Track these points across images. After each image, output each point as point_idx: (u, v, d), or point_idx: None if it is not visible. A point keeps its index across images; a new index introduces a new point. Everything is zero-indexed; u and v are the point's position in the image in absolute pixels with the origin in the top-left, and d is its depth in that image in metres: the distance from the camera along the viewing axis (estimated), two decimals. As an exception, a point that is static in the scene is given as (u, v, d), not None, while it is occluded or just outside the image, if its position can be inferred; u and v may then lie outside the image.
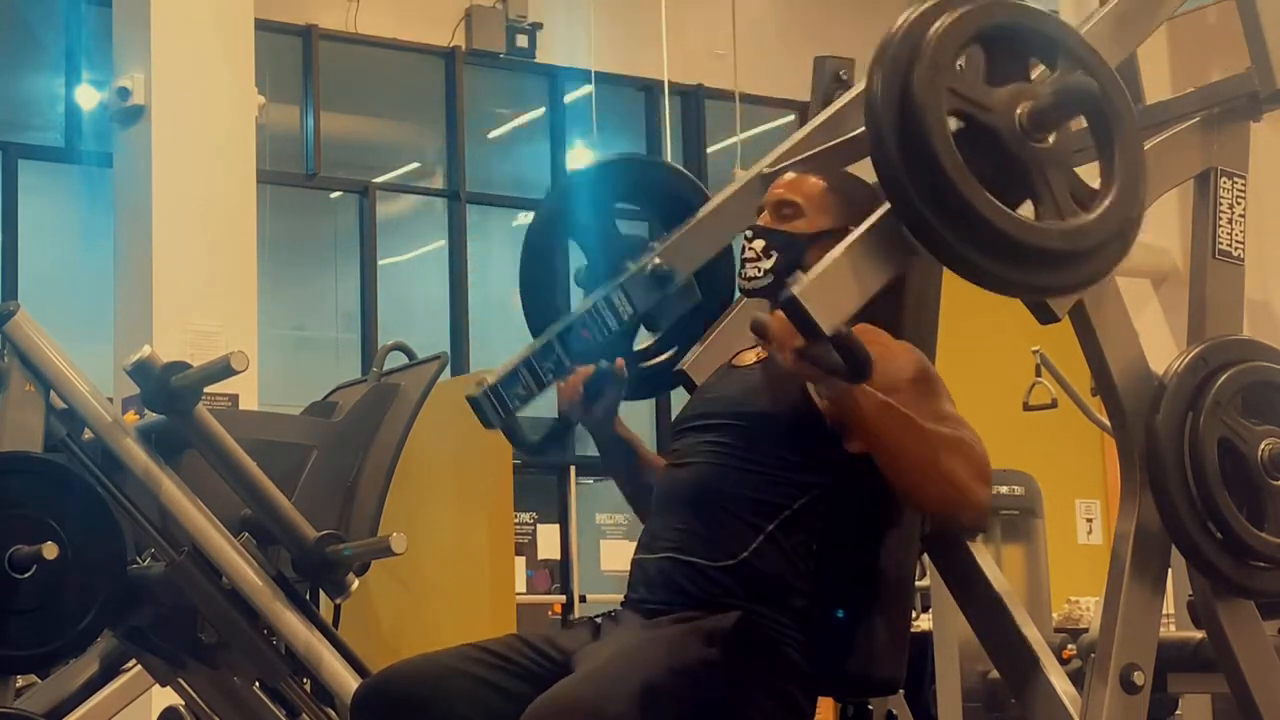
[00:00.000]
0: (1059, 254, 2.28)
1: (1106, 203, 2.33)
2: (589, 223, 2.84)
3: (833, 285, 2.23)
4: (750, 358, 2.63)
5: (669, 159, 10.15)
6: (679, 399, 2.82)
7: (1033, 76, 2.41)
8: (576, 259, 2.87)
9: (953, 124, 2.25)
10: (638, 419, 10.16)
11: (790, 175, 2.64)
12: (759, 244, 2.57)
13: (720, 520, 2.45)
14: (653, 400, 9.47)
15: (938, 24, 2.26)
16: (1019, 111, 2.29)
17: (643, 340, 2.95)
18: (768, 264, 2.55)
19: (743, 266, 2.59)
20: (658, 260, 2.73)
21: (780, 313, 2.21)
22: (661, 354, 2.90)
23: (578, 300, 2.81)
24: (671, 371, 2.86)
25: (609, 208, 2.86)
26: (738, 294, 2.73)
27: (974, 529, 2.51)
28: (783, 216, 2.58)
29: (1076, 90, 2.30)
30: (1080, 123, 2.39)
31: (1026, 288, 2.34)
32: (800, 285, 2.18)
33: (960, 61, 2.32)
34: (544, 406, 2.72)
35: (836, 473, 2.45)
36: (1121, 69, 2.70)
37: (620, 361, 2.64)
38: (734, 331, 2.82)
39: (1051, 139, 2.31)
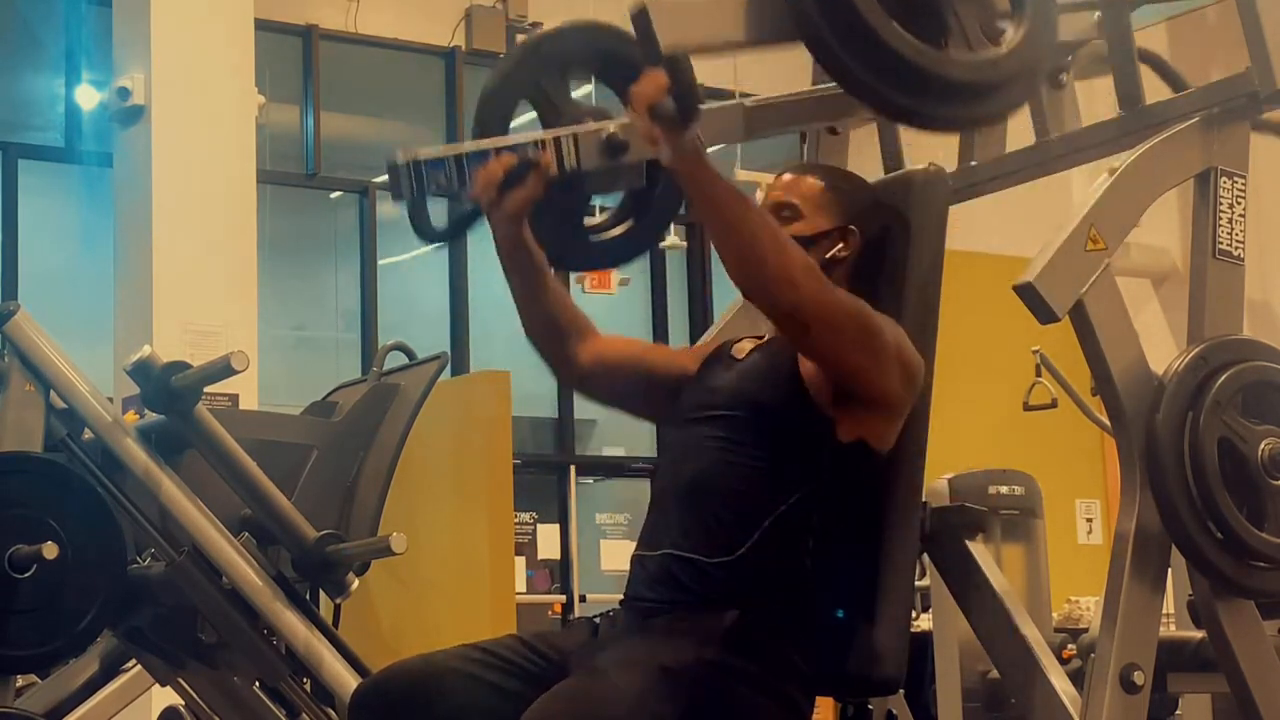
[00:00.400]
0: (965, 86, 2.28)
1: (1017, 39, 2.33)
2: (534, 91, 2.78)
3: (687, 11, 2.23)
4: (747, 347, 2.63)
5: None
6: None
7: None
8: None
9: None
10: (638, 425, 10.14)
11: (788, 176, 2.64)
12: None
13: (719, 515, 2.45)
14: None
15: None
16: None
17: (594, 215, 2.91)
18: None
19: None
20: (615, 129, 2.68)
21: (649, 73, 2.21)
22: (613, 228, 2.88)
23: None
24: (618, 248, 2.83)
25: (555, 76, 2.81)
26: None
27: (796, 323, 2.40)
28: (782, 218, 2.57)
29: None
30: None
31: (930, 119, 2.34)
32: (653, 0, 2.18)
33: None
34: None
35: (833, 466, 2.45)
36: (1121, 70, 2.71)
37: (547, 157, 2.56)
38: (734, 330, 2.83)
39: None
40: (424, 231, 2.71)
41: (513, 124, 2.78)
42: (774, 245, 2.33)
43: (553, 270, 2.67)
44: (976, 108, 2.36)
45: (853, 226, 2.57)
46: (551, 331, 2.66)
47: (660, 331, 10.39)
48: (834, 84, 3.00)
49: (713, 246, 2.41)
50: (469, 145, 2.62)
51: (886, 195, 2.70)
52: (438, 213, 2.73)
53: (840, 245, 2.56)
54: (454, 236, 2.73)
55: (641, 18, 2.16)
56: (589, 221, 2.87)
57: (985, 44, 2.30)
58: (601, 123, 2.68)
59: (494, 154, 2.58)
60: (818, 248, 2.55)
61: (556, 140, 2.61)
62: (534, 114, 2.82)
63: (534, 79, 2.79)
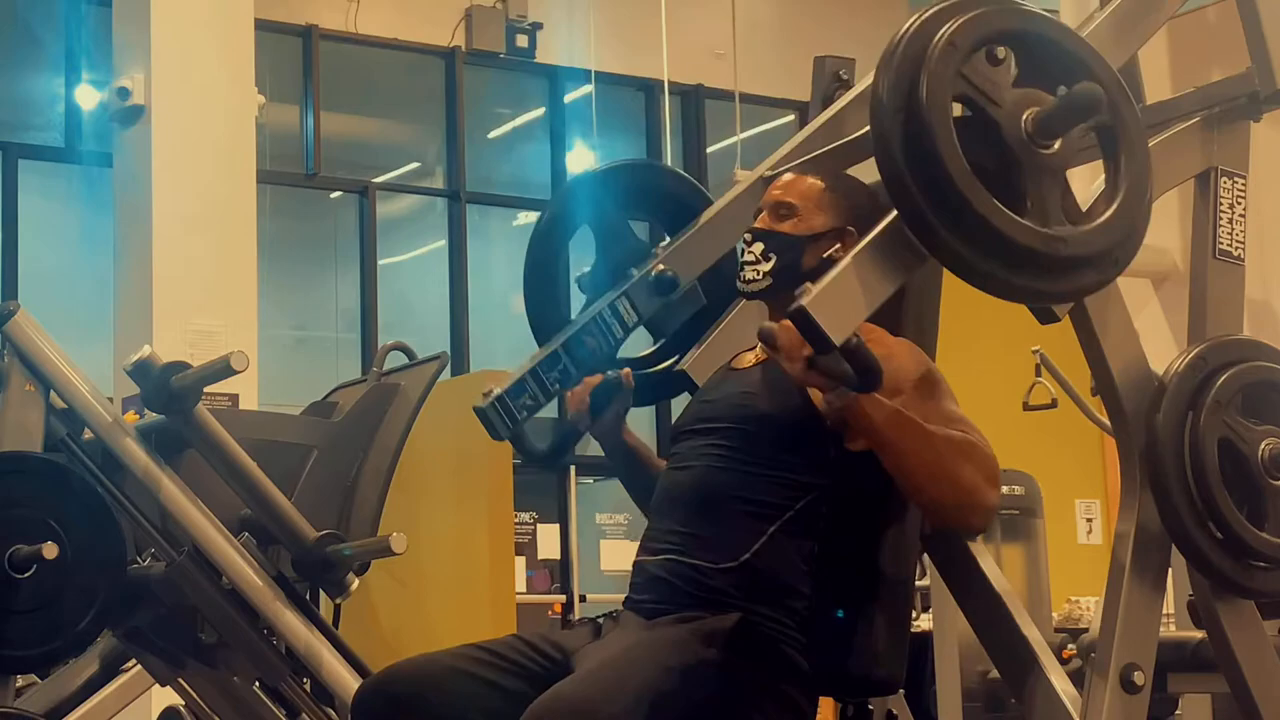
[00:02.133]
0: (1059, 260, 2.28)
1: (1112, 209, 2.33)
2: (591, 227, 2.85)
3: (841, 295, 2.23)
4: (749, 360, 2.63)
5: (669, 159, 10.18)
6: (679, 401, 2.82)
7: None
8: (577, 264, 2.87)
9: (958, 110, 2.25)
10: (637, 421, 10.16)
11: (788, 176, 2.64)
12: (758, 246, 2.57)
13: (721, 522, 2.45)
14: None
15: (946, 26, 2.26)
16: (1026, 115, 2.28)
17: (647, 346, 2.95)
18: (766, 266, 2.55)
19: (742, 269, 2.59)
20: (661, 266, 2.74)
21: (788, 322, 2.20)
22: (666, 359, 2.91)
23: (579, 305, 2.82)
24: (674, 376, 2.87)
25: (611, 212, 2.86)
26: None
27: (981, 531, 2.51)
28: (781, 218, 2.58)
29: (1084, 98, 2.29)
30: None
31: (1030, 293, 2.34)
32: (809, 296, 2.18)
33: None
34: (550, 406, 2.72)
35: (836, 473, 2.45)
36: (1122, 69, 2.70)
37: (627, 371, 2.65)
38: (733, 332, 2.83)
39: (1056, 146, 2.30)
40: (534, 456, 2.78)
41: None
42: (959, 475, 2.39)
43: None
44: (1073, 280, 2.35)
45: (850, 228, 2.57)
46: None
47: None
48: (834, 82, 3.03)
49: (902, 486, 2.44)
50: (538, 354, 2.69)
51: (887, 195, 2.69)
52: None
53: (837, 246, 2.56)
54: (563, 454, 2.81)
55: (805, 320, 2.16)
56: (639, 354, 2.92)
57: (1062, 221, 2.29)
58: (643, 267, 2.74)
59: (564, 355, 2.67)
60: (815, 247, 2.55)
61: (613, 307, 2.69)
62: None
63: (562, 251, 2.84)
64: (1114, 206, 2.33)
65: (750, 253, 2.57)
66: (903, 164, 2.22)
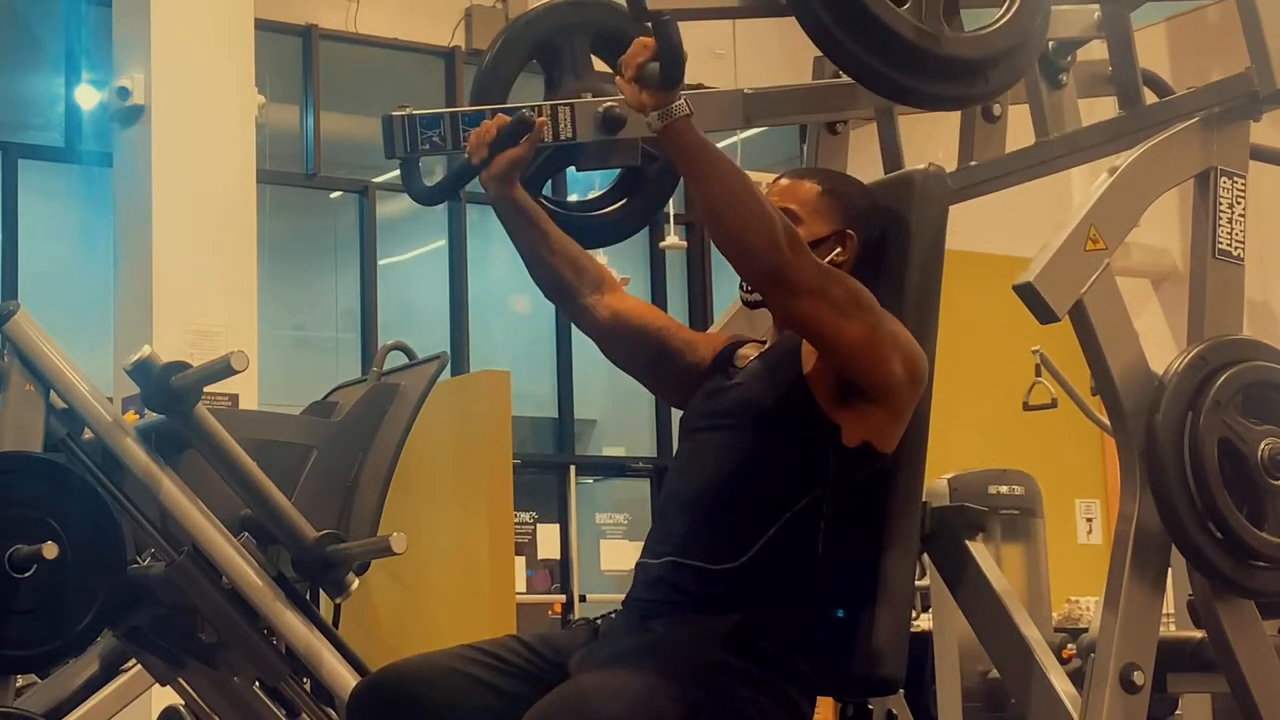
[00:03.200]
0: (941, 59, 2.29)
1: (1006, 18, 2.34)
2: (568, 44, 2.79)
3: None
4: (749, 355, 2.62)
5: (669, 159, 10.17)
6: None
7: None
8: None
9: None
10: (638, 425, 10.16)
11: (785, 181, 2.62)
12: None
13: (721, 524, 2.45)
14: (652, 400, 9.47)
15: None
16: None
17: (591, 192, 2.91)
18: None
19: (742, 283, 2.58)
20: (613, 104, 2.66)
21: (638, 40, 2.22)
22: (606, 205, 2.87)
23: None
24: (612, 226, 2.83)
25: (577, 37, 2.82)
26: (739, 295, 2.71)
27: (775, 287, 2.38)
28: None
29: None
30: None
31: (926, 97, 2.35)
32: None
33: None
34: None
35: (836, 473, 2.44)
36: (1121, 70, 2.71)
37: (541, 119, 2.55)
38: (738, 324, 2.83)
39: None
40: (415, 190, 2.68)
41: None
42: (759, 210, 2.31)
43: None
44: (972, 86, 2.37)
45: (850, 230, 2.57)
46: (561, 287, 2.63)
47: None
48: (833, 78, 3.02)
49: (701, 213, 2.41)
50: (465, 108, 2.62)
51: (886, 195, 2.69)
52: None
53: (838, 249, 2.56)
54: (445, 196, 2.68)
55: None
56: (581, 198, 2.87)
57: (940, 21, 2.32)
58: (600, 97, 2.67)
59: (490, 117, 2.57)
60: (817, 252, 2.54)
61: (554, 108, 2.62)
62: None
63: (529, 52, 2.79)
64: (1003, 19, 2.36)
65: None
66: None
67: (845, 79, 2.74)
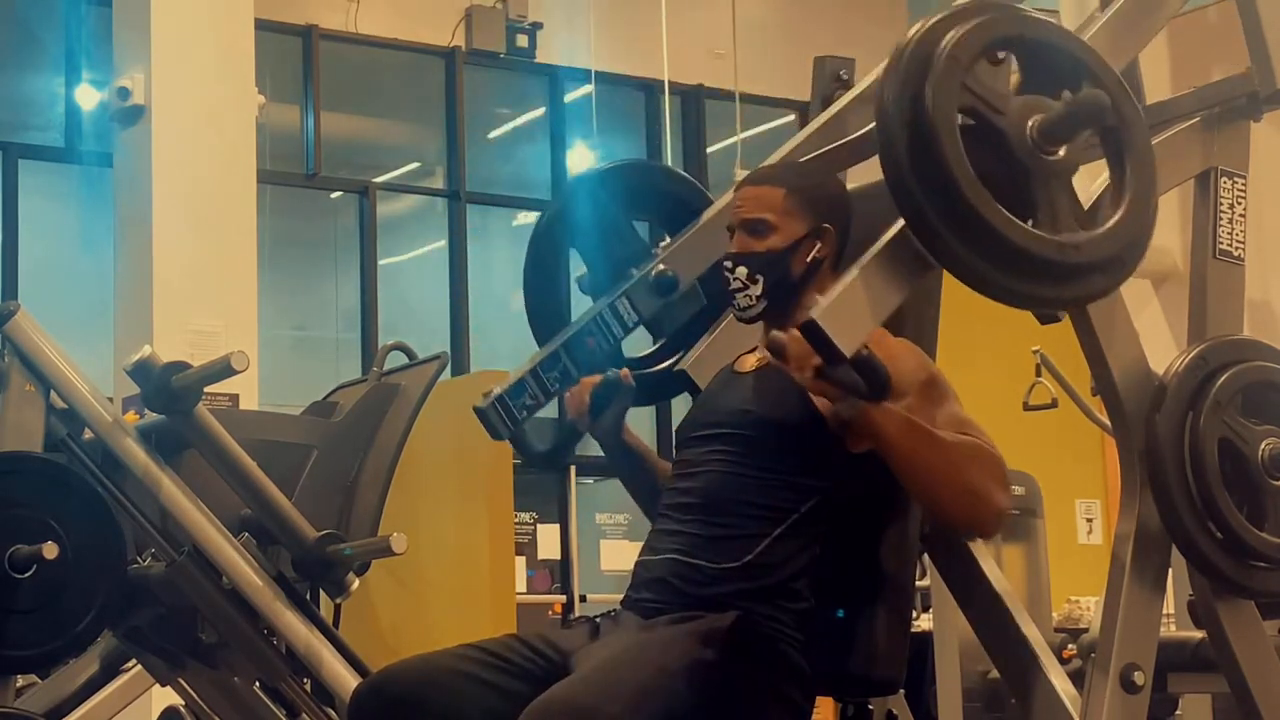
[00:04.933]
0: (1070, 267, 2.28)
1: (1118, 216, 2.32)
2: (590, 228, 2.85)
3: (851, 307, 2.23)
4: (751, 362, 2.63)
5: (669, 159, 10.17)
6: (680, 403, 2.82)
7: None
8: (578, 264, 2.87)
9: (963, 120, 2.25)
10: (638, 422, 10.15)
11: (748, 190, 2.60)
12: (742, 271, 2.56)
13: (726, 525, 2.45)
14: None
15: (951, 34, 2.26)
16: (1031, 122, 2.28)
17: (647, 346, 2.95)
18: (757, 290, 2.55)
19: (733, 297, 2.58)
20: (661, 266, 2.74)
21: (796, 332, 2.21)
22: (666, 359, 2.91)
23: (581, 307, 2.82)
24: (674, 376, 2.87)
25: (610, 213, 2.86)
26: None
27: (993, 534, 2.51)
28: (756, 235, 2.56)
29: (1089, 103, 2.29)
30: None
31: (1038, 300, 2.34)
32: (819, 309, 2.19)
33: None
34: (550, 406, 2.72)
35: (839, 475, 2.45)
36: (1123, 69, 2.70)
37: (626, 371, 2.65)
38: (734, 332, 2.82)
39: (1061, 152, 2.30)
40: (535, 456, 2.78)
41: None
42: (974, 482, 2.39)
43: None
44: (1095, 284, 2.36)
45: (826, 224, 2.57)
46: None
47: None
48: (834, 81, 3.02)
49: (918, 494, 2.46)
50: (538, 355, 2.69)
51: (887, 195, 2.69)
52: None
53: (818, 246, 2.56)
54: (564, 455, 2.80)
55: (815, 333, 2.17)
56: (639, 354, 2.92)
57: (1072, 226, 2.29)
58: (643, 268, 2.75)
59: (563, 355, 2.67)
60: (798, 254, 2.54)
61: (612, 307, 2.70)
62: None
63: (563, 252, 2.85)
64: (1122, 210, 2.33)
65: (736, 279, 2.56)
66: (910, 174, 2.22)
67: (862, 132, 2.73)
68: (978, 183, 2.20)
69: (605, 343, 2.72)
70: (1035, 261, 2.24)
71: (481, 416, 2.65)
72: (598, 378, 2.64)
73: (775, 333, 2.30)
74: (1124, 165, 2.36)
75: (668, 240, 2.88)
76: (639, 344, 2.94)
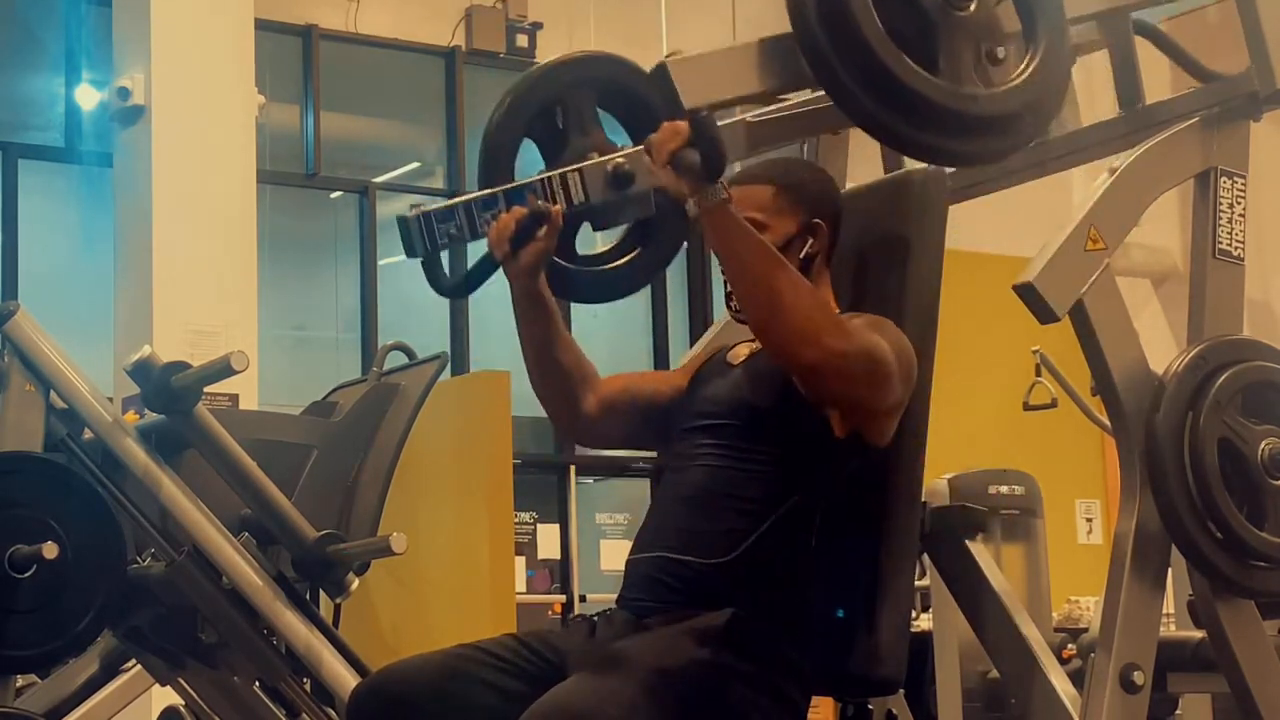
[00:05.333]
0: (970, 119, 2.29)
1: (1026, 73, 2.34)
2: (563, 104, 2.78)
3: (708, 67, 2.25)
4: (743, 353, 2.62)
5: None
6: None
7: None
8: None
9: None
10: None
11: (737, 190, 2.54)
12: None
13: (713, 520, 2.45)
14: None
15: None
16: None
17: (599, 245, 2.90)
18: None
19: (728, 298, 2.58)
20: (621, 159, 2.67)
21: (667, 124, 2.22)
22: (617, 259, 2.87)
23: None
24: (625, 278, 2.83)
25: (576, 100, 2.80)
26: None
27: (808, 364, 2.39)
28: None
29: None
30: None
31: (941, 152, 2.34)
32: (675, 58, 2.19)
33: None
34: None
35: (832, 468, 2.44)
36: (1121, 70, 2.70)
37: (558, 208, 2.56)
38: (730, 333, 2.82)
39: (971, 7, 2.31)
40: (441, 285, 2.70)
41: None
42: (797, 301, 2.33)
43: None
44: (996, 141, 2.36)
45: (817, 220, 2.56)
46: (563, 385, 2.63)
47: (660, 333, 10.38)
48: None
49: (738, 298, 2.45)
50: (476, 194, 2.63)
51: (887, 195, 2.70)
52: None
53: (810, 242, 2.56)
54: (471, 289, 2.70)
55: (662, 76, 2.17)
56: (592, 251, 2.87)
57: (975, 82, 2.30)
58: (605, 156, 2.68)
59: (502, 200, 2.59)
60: (790, 251, 2.53)
61: (563, 177, 2.63)
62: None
63: (533, 117, 2.79)
64: (1026, 69, 2.34)
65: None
66: (818, 27, 2.24)
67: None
68: (881, 30, 2.22)
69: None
70: (934, 110, 2.24)
71: (402, 227, 2.59)
72: (525, 211, 2.54)
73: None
74: (1034, 26, 2.37)
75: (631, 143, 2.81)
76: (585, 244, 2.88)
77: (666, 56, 2.20)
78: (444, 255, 2.67)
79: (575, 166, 2.66)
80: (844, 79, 2.23)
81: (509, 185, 2.64)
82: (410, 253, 2.61)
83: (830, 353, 2.34)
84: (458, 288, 2.70)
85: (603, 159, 2.68)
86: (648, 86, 2.84)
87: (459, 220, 2.60)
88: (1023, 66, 2.35)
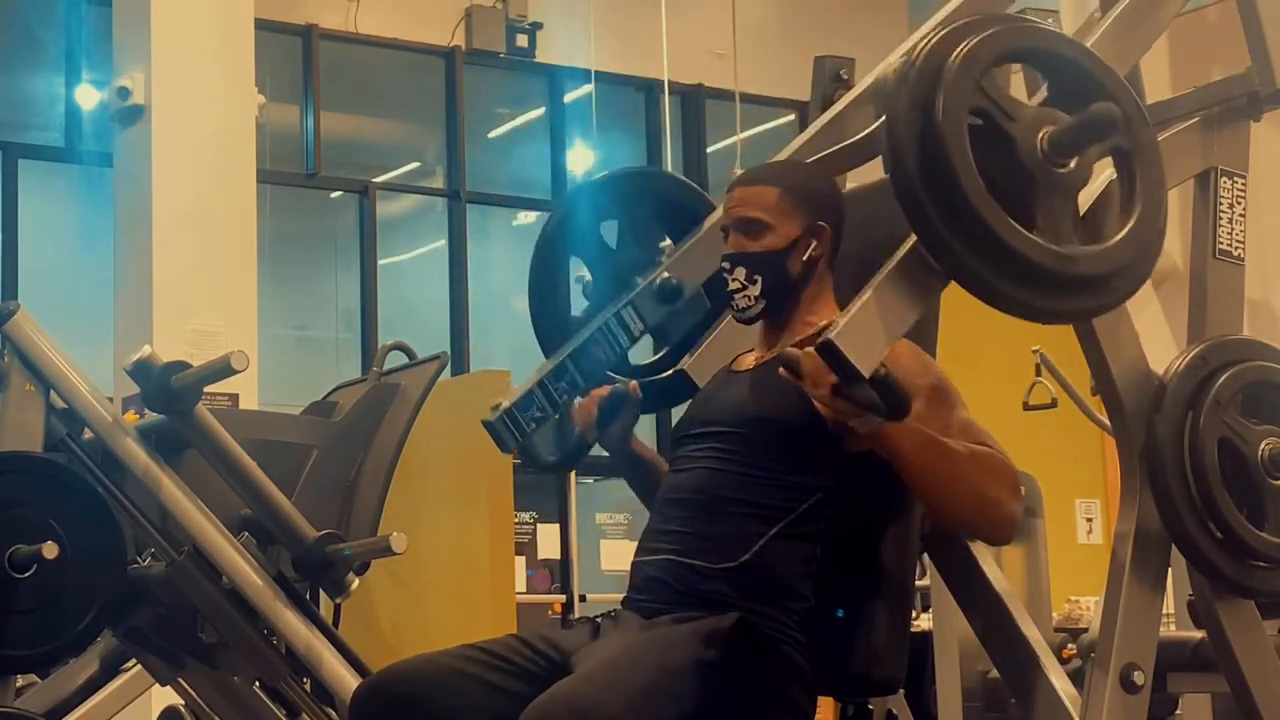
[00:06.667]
0: (1067, 278, 2.27)
1: (1125, 231, 2.32)
2: (593, 236, 2.86)
3: (868, 326, 2.22)
4: (749, 361, 2.63)
5: (669, 159, 10.17)
6: (680, 406, 2.82)
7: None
8: (582, 271, 2.88)
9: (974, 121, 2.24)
10: (638, 425, 10.13)
11: (741, 190, 2.60)
12: (740, 271, 2.55)
13: (721, 524, 2.45)
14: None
15: (964, 43, 2.25)
16: (1042, 133, 2.27)
17: (651, 355, 2.95)
18: (755, 290, 2.55)
19: (731, 297, 2.58)
20: (666, 274, 2.75)
21: (811, 350, 2.20)
22: (671, 367, 2.91)
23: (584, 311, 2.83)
24: (679, 383, 2.87)
25: (612, 220, 2.88)
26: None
27: (1008, 542, 2.51)
28: (752, 235, 2.56)
29: (1102, 117, 2.28)
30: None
31: (1040, 311, 2.32)
32: (837, 330, 2.18)
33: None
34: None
35: (838, 474, 2.44)
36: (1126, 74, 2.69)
37: (634, 383, 2.66)
38: (732, 333, 2.83)
39: (1071, 165, 2.29)
40: (545, 465, 2.78)
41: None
42: (987, 490, 2.40)
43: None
44: (1089, 300, 2.35)
45: (821, 222, 2.57)
46: None
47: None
48: (834, 82, 3.02)
49: (932, 508, 2.48)
50: (545, 366, 2.70)
51: (888, 196, 2.69)
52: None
53: (813, 244, 2.56)
54: (573, 464, 2.80)
55: (834, 354, 2.16)
56: (644, 362, 2.92)
57: (1072, 240, 2.28)
58: (648, 276, 2.75)
59: (571, 366, 2.68)
60: (795, 253, 2.54)
61: (619, 317, 2.71)
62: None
63: (577, 239, 2.85)
64: (1128, 228, 2.32)
65: (735, 279, 2.56)
66: (918, 180, 2.21)
67: (863, 134, 2.72)
68: (984, 189, 2.20)
69: (611, 352, 2.73)
70: (1032, 269, 2.23)
71: (491, 430, 2.67)
72: (605, 390, 2.65)
73: (790, 349, 2.27)
74: (1134, 182, 2.35)
75: (671, 247, 2.88)
76: (644, 351, 2.94)
77: (830, 332, 2.18)
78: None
79: (626, 300, 2.74)
80: (943, 235, 2.21)
81: (571, 347, 2.71)
82: (504, 449, 2.69)
83: (1019, 519, 2.44)
84: (561, 464, 2.79)
85: (648, 281, 2.76)
86: (666, 184, 2.96)
87: (539, 403, 2.69)
88: (1123, 225, 2.33)
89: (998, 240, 2.20)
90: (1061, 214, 2.28)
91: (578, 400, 2.67)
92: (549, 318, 2.84)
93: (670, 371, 2.90)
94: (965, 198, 2.19)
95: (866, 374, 2.18)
